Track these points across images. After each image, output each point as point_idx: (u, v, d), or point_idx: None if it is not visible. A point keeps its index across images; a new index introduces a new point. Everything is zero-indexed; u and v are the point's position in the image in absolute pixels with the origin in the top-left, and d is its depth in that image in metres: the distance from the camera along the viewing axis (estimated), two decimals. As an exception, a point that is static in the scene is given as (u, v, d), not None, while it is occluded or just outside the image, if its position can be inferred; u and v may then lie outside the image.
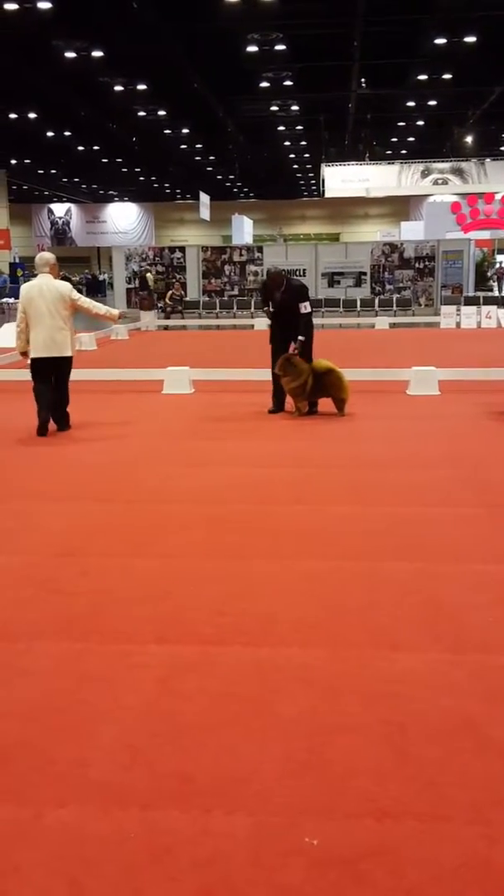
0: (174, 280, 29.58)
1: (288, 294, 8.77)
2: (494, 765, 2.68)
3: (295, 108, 30.01)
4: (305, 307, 8.76)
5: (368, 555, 4.68)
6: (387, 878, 2.20)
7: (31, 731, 2.94)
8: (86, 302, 8.43)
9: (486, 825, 2.40)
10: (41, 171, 44.89)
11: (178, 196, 55.06)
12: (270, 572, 4.42)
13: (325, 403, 9.19)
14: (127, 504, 5.81)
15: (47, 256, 8.31)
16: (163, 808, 2.50)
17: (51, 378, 8.23)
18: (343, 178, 33.50)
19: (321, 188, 34.93)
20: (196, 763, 2.72)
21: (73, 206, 53.15)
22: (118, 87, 25.39)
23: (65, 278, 35.35)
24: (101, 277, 48.03)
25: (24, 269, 37.34)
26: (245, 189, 53.30)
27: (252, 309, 27.01)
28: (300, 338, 8.80)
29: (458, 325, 23.62)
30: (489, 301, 26.58)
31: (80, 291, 36.43)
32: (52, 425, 8.34)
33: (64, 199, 52.83)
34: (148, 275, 28.87)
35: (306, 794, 2.55)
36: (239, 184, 50.43)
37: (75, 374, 10.97)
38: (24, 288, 8.32)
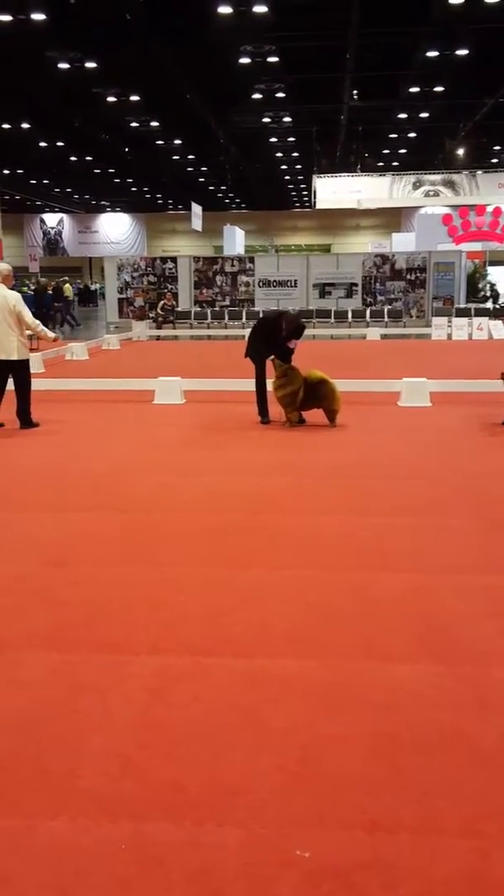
0: (165, 290, 29.59)
1: (290, 331, 9.33)
2: (487, 777, 2.68)
3: (287, 119, 30.15)
4: (295, 343, 9.35)
5: (361, 565, 4.68)
6: (379, 890, 2.20)
7: (22, 741, 2.92)
8: (28, 317, 8.97)
9: (479, 837, 2.40)
10: (34, 181, 44.96)
11: (171, 207, 55.19)
12: (263, 582, 4.41)
13: (317, 415, 9.21)
14: (119, 513, 5.79)
15: (1, 267, 9.02)
16: (154, 819, 2.49)
17: (5, 378, 9.03)
18: (335, 190, 33.61)
19: (313, 199, 35.05)
20: (188, 774, 2.71)
21: (65, 217, 53.21)
22: (111, 98, 25.46)
23: (56, 288, 34.77)
24: (92, 287, 48.08)
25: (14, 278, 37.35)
26: (237, 200, 53.46)
27: (244, 319, 27.04)
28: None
29: (449, 336, 23.70)
30: (480, 313, 26.66)
31: (71, 301, 35.63)
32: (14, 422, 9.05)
33: (56, 210, 52.89)
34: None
35: (298, 805, 2.54)
36: (231, 195, 50.57)
37: (66, 384, 11.69)
38: None
